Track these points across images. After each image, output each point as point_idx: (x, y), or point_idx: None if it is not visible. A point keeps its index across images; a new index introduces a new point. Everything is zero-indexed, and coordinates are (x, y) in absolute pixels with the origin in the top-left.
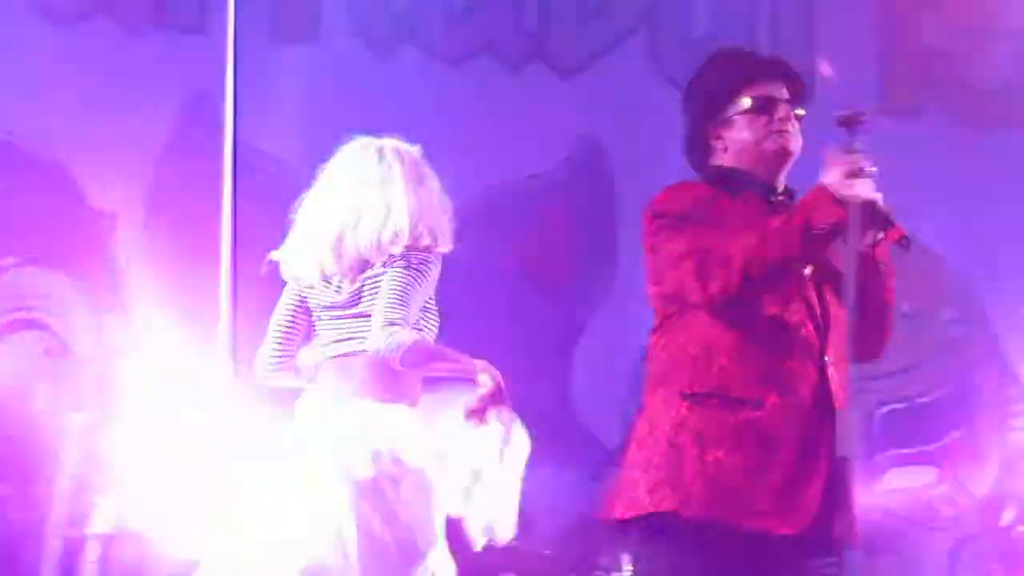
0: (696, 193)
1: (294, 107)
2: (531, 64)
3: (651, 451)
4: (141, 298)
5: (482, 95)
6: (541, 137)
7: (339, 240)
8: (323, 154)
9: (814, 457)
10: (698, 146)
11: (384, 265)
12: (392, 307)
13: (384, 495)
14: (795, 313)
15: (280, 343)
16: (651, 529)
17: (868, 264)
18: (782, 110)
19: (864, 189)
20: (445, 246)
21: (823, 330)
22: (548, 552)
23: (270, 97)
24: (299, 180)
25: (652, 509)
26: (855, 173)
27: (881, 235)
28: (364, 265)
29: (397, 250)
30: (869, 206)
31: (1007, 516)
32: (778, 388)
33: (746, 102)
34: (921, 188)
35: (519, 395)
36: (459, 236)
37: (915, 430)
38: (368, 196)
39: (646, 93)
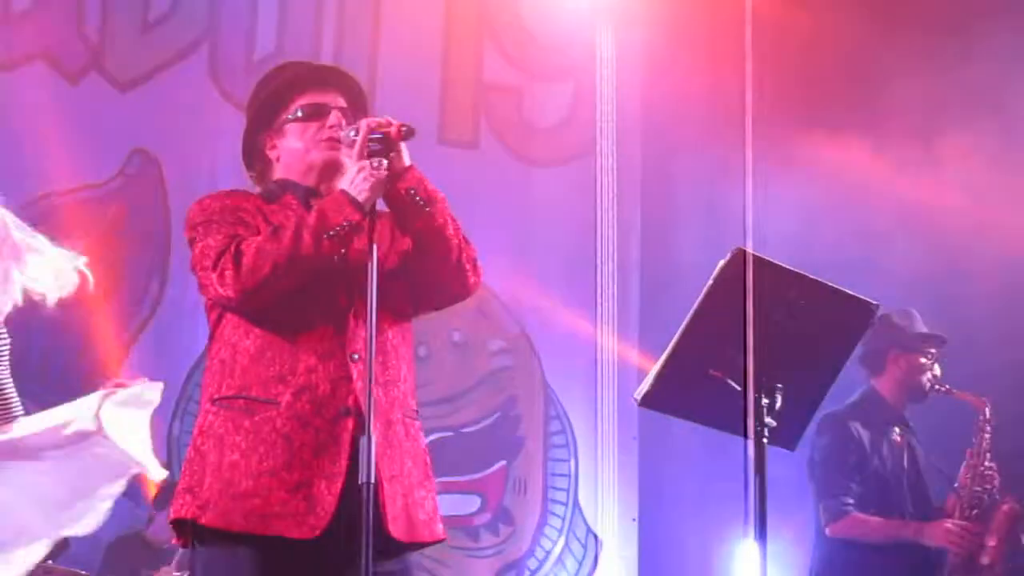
0: (227, 202)
1: None
2: (89, 75)
3: (186, 459)
4: None
5: (38, 103)
6: (96, 147)
7: None
8: None
9: (333, 458)
10: (256, 157)
11: None
12: None
13: None
14: (319, 311)
15: None
16: (186, 537)
17: (402, 202)
18: (333, 117)
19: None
20: None
21: (353, 328)
22: (84, 573)
23: None
24: None
25: (174, 516)
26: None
27: (394, 161)
28: None
29: None
30: (373, 143)
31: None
32: (294, 387)
33: (297, 109)
34: (475, 218)
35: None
36: None
37: (461, 458)
38: None
39: (203, 108)
